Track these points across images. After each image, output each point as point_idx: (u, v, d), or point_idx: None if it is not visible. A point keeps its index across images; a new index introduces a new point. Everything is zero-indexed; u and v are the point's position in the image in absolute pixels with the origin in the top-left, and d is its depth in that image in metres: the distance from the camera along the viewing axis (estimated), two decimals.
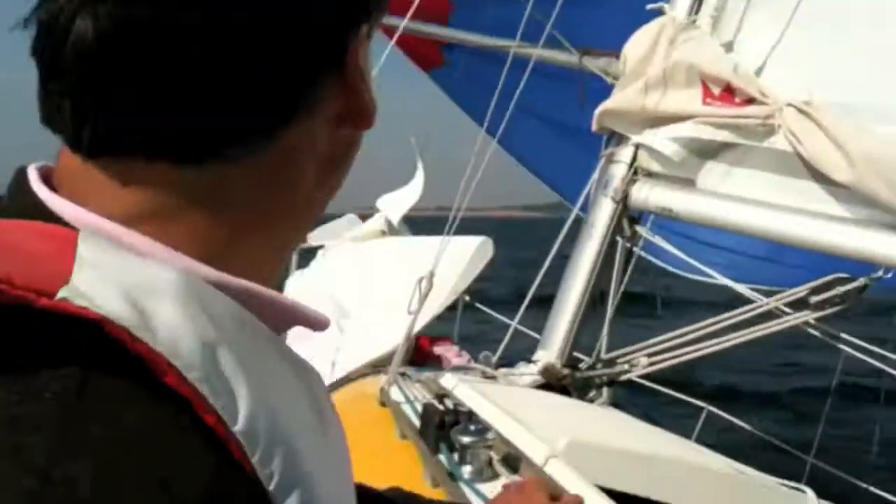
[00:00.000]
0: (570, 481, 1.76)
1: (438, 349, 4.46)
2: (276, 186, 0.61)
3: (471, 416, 2.05)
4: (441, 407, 2.07)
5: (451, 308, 5.31)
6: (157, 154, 0.56)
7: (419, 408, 2.21)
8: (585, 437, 2.02)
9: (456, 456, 1.90)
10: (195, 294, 0.53)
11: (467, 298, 5.69)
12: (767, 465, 2.56)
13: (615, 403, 2.86)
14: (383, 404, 2.37)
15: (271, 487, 0.51)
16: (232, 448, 0.50)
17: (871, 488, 3.06)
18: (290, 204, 0.63)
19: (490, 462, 1.88)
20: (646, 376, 3.27)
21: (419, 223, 5.41)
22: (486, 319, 5.12)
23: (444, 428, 1.98)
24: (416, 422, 2.14)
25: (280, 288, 0.66)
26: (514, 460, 1.92)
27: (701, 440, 3.88)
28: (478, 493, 1.75)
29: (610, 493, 1.76)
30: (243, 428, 0.50)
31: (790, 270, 4.00)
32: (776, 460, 3.34)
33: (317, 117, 0.61)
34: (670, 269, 4.69)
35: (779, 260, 4.08)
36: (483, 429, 1.90)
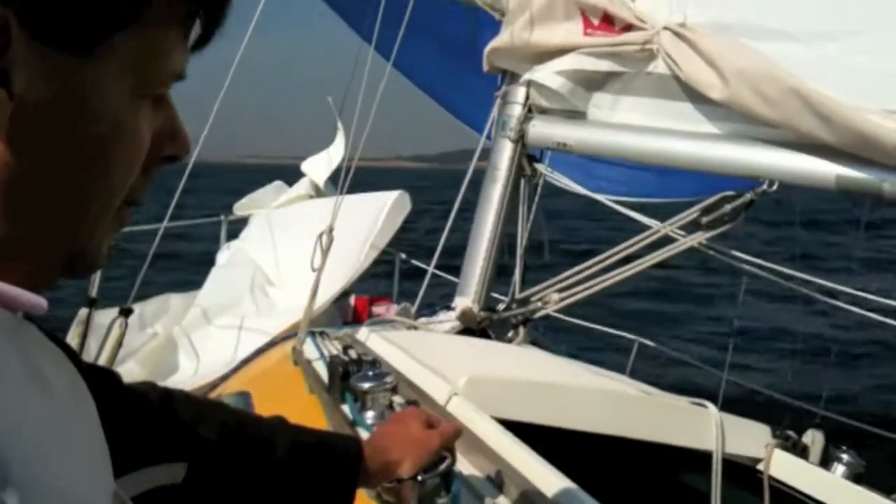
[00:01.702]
0: (470, 416, 1.80)
1: (378, 309, 4.48)
2: None
3: (373, 364, 2.07)
4: (345, 358, 2.08)
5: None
6: None
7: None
8: (487, 373, 2.06)
9: (359, 404, 1.92)
10: None
11: (403, 256, 5.73)
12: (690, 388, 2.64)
13: (536, 342, 2.91)
14: (296, 363, 2.38)
15: None
16: None
17: (778, 395, 3.16)
18: None
19: (391, 406, 1.90)
20: (573, 314, 3.34)
21: None
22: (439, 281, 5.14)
23: (347, 378, 1.99)
24: (325, 377, 2.16)
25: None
26: (416, 403, 1.95)
27: (633, 372, 3.97)
28: None
29: (514, 425, 1.80)
30: None
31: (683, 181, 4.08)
32: (700, 382, 3.45)
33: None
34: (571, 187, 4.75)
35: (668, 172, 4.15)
36: (381, 373, 1.92)
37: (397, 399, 1.95)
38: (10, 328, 0.61)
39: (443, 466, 1.37)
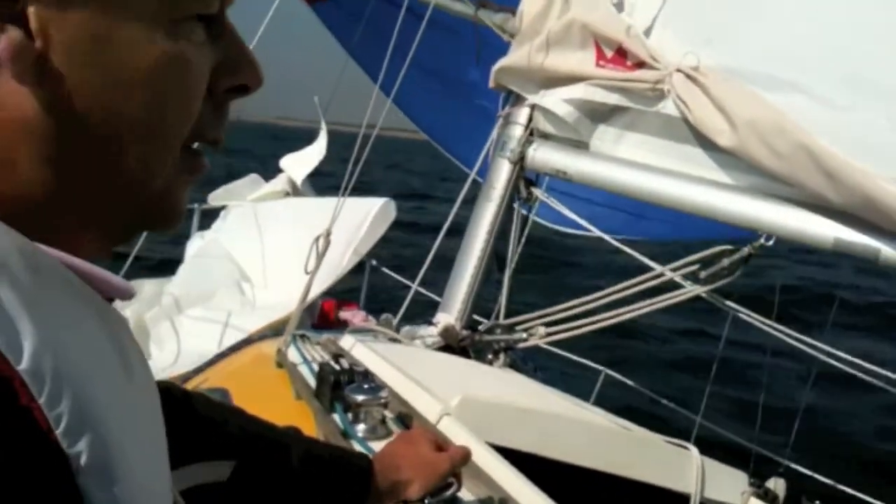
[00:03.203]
0: (462, 438, 1.79)
1: (345, 314, 4.46)
2: None
3: (366, 375, 2.06)
4: (337, 367, 2.07)
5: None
6: None
7: (316, 368, 2.21)
8: (478, 395, 2.06)
9: (350, 415, 1.91)
10: None
11: (374, 263, 5.72)
12: (659, 425, 2.66)
13: (514, 365, 2.91)
14: (280, 365, 2.36)
15: (59, 431, 0.50)
16: (16, 388, 0.48)
17: (756, 447, 3.20)
18: None
19: (383, 420, 1.90)
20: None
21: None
22: (400, 285, 5.13)
23: (338, 387, 1.98)
24: (312, 382, 2.14)
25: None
26: (408, 419, 1.95)
27: (598, 402, 4.00)
28: (371, 451, 1.77)
29: (501, 450, 1.80)
30: (28, 366, 0.49)
31: (658, 225, 4.13)
32: (669, 420, 3.49)
33: None
34: (558, 227, 4.81)
35: (647, 214, 4.21)
36: (376, 387, 1.91)
37: (388, 414, 1.95)
38: (102, 312, 0.60)
39: (449, 492, 1.37)
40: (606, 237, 2.87)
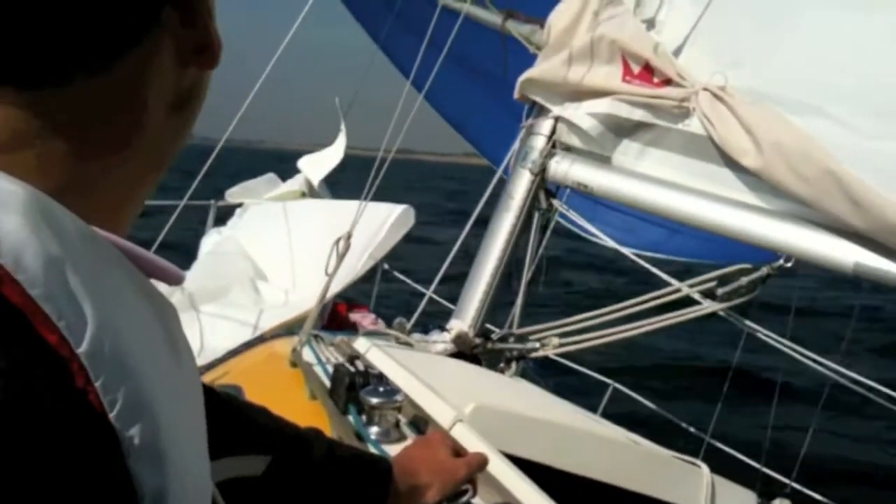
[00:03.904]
0: (475, 445, 1.80)
1: (355, 316, 4.47)
2: (121, 114, 0.61)
3: (381, 378, 2.07)
4: (352, 369, 2.08)
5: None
6: None
7: (330, 369, 2.22)
8: (492, 403, 2.06)
9: (364, 417, 1.92)
10: (43, 209, 0.52)
11: (386, 267, 5.73)
12: (666, 440, 2.66)
13: (526, 375, 2.92)
14: (294, 365, 2.37)
15: (112, 414, 0.50)
16: (73, 370, 0.49)
17: (764, 469, 3.20)
18: (136, 136, 0.63)
19: (397, 424, 1.91)
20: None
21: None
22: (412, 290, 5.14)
23: (353, 389, 1.99)
24: (327, 383, 2.15)
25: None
26: (421, 423, 1.95)
27: (605, 415, 3.99)
28: (384, 453, 1.77)
29: (512, 458, 1.80)
30: (87, 349, 0.49)
31: (690, 240, 4.12)
32: (676, 437, 3.48)
33: (160, 48, 0.61)
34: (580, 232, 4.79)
35: (681, 229, 4.19)
36: (392, 391, 1.92)
37: (402, 418, 1.95)
38: (154, 297, 0.61)
39: (465, 498, 1.38)
40: (624, 251, 2.87)
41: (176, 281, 0.64)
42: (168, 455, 0.53)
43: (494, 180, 3.10)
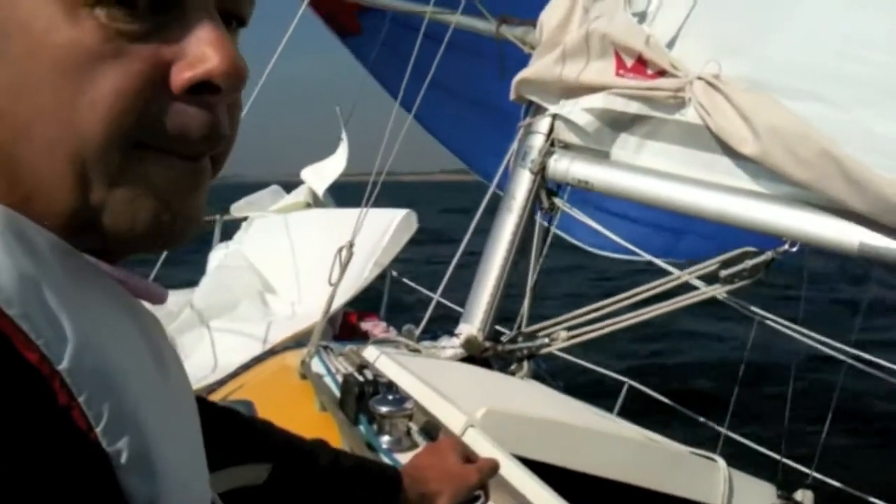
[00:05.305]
0: (487, 450, 1.79)
1: (365, 325, 4.46)
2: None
3: (390, 387, 2.06)
4: (361, 378, 2.07)
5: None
6: None
7: (339, 380, 2.21)
8: (503, 407, 2.05)
9: (375, 426, 1.91)
10: (14, 227, 0.51)
11: (395, 274, 5.72)
12: (683, 434, 2.64)
13: (538, 376, 2.90)
14: (304, 377, 2.36)
15: (99, 428, 0.50)
16: (56, 388, 0.48)
17: (785, 460, 3.17)
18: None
19: (408, 432, 1.90)
20: (569, 352, 3.33)
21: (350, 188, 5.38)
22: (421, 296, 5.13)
23: (363, 399, 1.99)
24: (337, 393, 2.14)
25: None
26: (432, 430, 1.95)
27: (621, 413, 3.98)
28: (396, 462, 1.77)
29: (526, 461, 1.79)
30: (68, 366, 0.49)
31: (699, 241, 4.11)
32: (692, 431, 3.46)
33: None
34: (581, 245, 4.82)
35: (688, 230, 4.18)
36: (401, 399, 1.91)
37: (413, 426, 1.95)
38: (136, 313, 0.61)
39: None
40: (627, 257, 2.87)
41: (159, 300, 0.64)
42: (158, 465, 0.53)
43: (488, 195, 3.08)
